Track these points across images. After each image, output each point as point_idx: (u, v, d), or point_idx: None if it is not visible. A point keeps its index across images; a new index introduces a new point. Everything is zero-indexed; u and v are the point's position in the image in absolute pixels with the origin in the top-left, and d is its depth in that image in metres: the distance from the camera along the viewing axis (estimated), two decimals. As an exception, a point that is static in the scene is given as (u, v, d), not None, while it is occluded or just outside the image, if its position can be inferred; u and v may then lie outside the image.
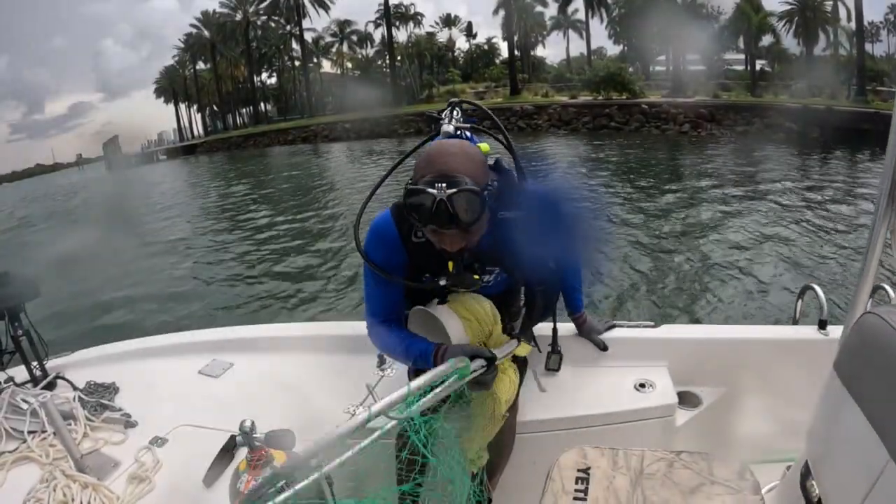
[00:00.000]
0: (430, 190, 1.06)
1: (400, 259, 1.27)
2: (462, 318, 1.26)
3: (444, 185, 1.06)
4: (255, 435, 1.09)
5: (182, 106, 39.80)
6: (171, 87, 39.08)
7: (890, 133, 1.09)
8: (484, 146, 1.34)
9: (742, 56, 30.04)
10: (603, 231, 1.51)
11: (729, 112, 22.18)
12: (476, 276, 1.22)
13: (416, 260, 1.27)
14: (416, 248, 1.26)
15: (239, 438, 1.09)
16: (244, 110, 41.59)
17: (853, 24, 25.01)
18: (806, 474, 1.09)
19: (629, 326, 1.81)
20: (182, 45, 39.72)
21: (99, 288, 6.92)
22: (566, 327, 1.76)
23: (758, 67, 28.99)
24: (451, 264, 1.19)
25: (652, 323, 1.82)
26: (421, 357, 1.23)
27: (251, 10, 38.36)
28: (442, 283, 1.20)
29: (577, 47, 38.86)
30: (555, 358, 1.64)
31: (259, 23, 39.13)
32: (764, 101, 23.75)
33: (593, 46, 37.45)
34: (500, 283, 1.38)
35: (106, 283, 7.07)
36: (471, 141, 1.36)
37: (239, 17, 38.30)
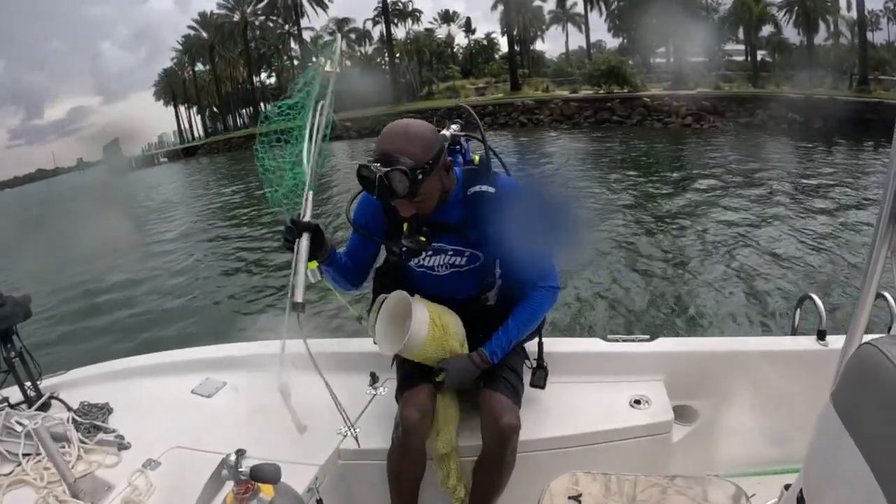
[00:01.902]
0: (372, 168, 1.29)
1: (379, 222, 1.50)
2: (431, 320, 1.43)
3: (379, 164, 1.28)
4: (240, 469, 1.08)
5: (182, 108, 39.86)
6: (171, 88, 39.10)
7: (891, 150, 1.05)
8: (476, 157, 1.52)
9: (742, 47, 29.88)
10: (572, 226, 1.55)
11: (731, 104, 22.02)
12: (423, 239, 1.38)
13: (392, 223, 1.47)
14: (392, 211, 1.43)
15: (224, 472, 1.08)
16: (244, 111, 41.58)
17: (854, 13, 24.80)
18: (801, 501, 1.07)
19: (624, 340, 1.78)
20: (180, 47, 39.76)
21: (93, 304, 6.94)
22: (553, 342, 1.75)
23: (758, 58, 28.81)
24: (405, 226, 1.40)
25: (647, 336, 1.80)
26: None
27: (249, 10, 38.33)
28: (404, 242, 1.40)
29: (576, 41, 38.80)
30: (540, 374, 1.60)
31: (257, 23, 39.11)
32: (766, 92, 23.56)
33: (592, 39, 37.35)
34: (473, 271, 1.49)
35: (100, 297, 7.10)
36: (464, 148, 1.54)
37: (237, 17, 38.28)
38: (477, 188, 1.42)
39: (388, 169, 1.28)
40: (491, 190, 1.41)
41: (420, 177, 1.30)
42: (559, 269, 1.55)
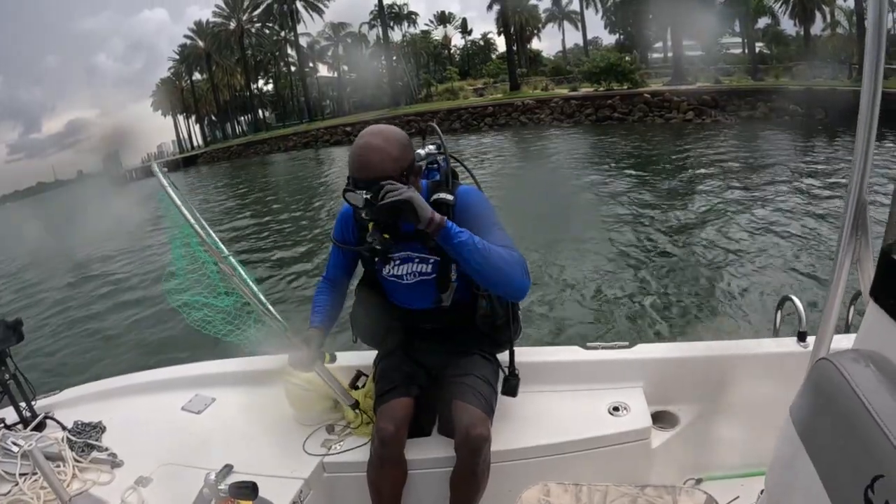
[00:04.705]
0: (356, 193, 1.35)
1: (350, 232, 1.62)
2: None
3: (358, 191, 1.34)
4: (219, 487, 1.12)
5: (180, 117, 40.04)
6: (169, 99, 39.26)
7: (853, 158, 1.06)
8: None
9: (738, 39, 29.80)
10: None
11: (732, 97, 21.90)
12: (386, 236, 1.43)
13: (362, 230, 1.55)
14: (361, 220, 1.51)
15: (206, 491, 1.12)
16: (242, 118, 41.79)
17: (851, 2, 24.68)
18: None
19: (603, 348, 1.80)
20: (177, 57, 39.94)
21: (85, 322, 6.99)
22: (532, 351, 1.77)
23: (756, 50, 28.69)
24: (370, 226, 1.45)
25: (626, 343, 1.82)
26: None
27: (245, 17, 38.46)
28: (369, 240, 1.44)
29: (572, 38, 38.83)
30: (512, 382, 1.62)
31: (253, 30, 39.24)
32: (766, 84, 23.42)
33: (588, 37, 37.37)
34: (438, 279, 1.55)
35: (92, 315, 7.14)
36: (438, 164, 1.60)
37: (233, 25, 38.40)
38: (437, 196, 1.48)
39: (372, 193, 1.34)
40: (449, 198, 1.48)
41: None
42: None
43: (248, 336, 1.64)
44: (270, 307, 1.57)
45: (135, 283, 8.49)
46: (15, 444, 1.70)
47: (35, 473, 1.62)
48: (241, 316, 1.64)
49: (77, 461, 1.69)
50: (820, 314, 1.17)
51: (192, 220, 1.50)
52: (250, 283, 1.57)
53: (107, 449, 1.72)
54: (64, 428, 1.81)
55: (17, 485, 1.60)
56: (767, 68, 26.73)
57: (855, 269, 1.09)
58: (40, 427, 1.84)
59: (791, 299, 1.78)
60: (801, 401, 0.95)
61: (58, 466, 1.65)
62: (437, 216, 1.34)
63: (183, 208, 1.50)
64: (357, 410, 1.68)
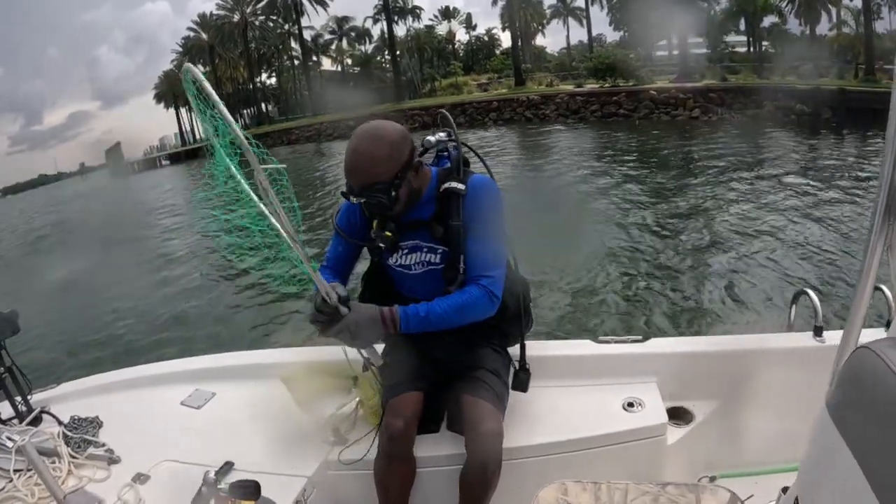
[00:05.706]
0: (351, 200, 1.41)
1: (357, 220, 1.57)
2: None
3: (353, 197, 1.39)
4: (219, 486, 1.07)
5: (183, 110, 39.89)
6: (171, 91, 39.15)
7: (886, 140, 1.00)
8: None
9: (743, 38, 29.64)
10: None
11: (739, 95, 21.86)
12: (388, 234, 1.44)
13: (369, 221, 1.53)
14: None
15: (204, 490, 1.07)
16: (245, 111, 41.65)
17: (858, 2, 24.47)
18: None
19: (616, 342, 1.76)
20: (180, 49, 39.86)
21: (84, 315, 6.98)
22: (543, 345, 1.73)
23: (762, 49, 28.54)
24: (374, 223, 1.47)
25: (640, 337, 1.77)
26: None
27: (248, 10, 38.35)
28: (372, 236, 1.47)
29: (576, 35, 38.68)
30: (522, 377, 1.58)
31: (257, 23, 39.13)
32: (773, 82, 23.30)
33: (593, 33, 37.19)
34: (446, 269, 1.50)
35: (91, 309, 7.14)
36: (448, 151, 1.56)
37: (236, 18, 38.30)
38: (448, 185, 1.45)
39: (364, 200, 1.39)
40: (461, 187, 1.44)
41: (394, 193, 1.38)
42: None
43: (270, 266, 1.55)
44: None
45: (134, 276, 8.47)
46: (9, 439, 1.65)
47: (29, 470, 1.57)
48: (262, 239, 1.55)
49: (73, 457, 1.64)
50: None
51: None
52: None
53: (104, 445, 1.68)
54: (60, 423, 1.76)
55: (11, 481, 1.55)
56: (773, 67, 26.58)
57: (886, 254, 1.01)
58: (36, 422, 1.79)
59: (806, 293, 1.74)
60: (837, 392, 0.90)
61: (53, 462, 1.60)
62: (388, 317, 1.38)
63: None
64: (375, 369, 1.56)
